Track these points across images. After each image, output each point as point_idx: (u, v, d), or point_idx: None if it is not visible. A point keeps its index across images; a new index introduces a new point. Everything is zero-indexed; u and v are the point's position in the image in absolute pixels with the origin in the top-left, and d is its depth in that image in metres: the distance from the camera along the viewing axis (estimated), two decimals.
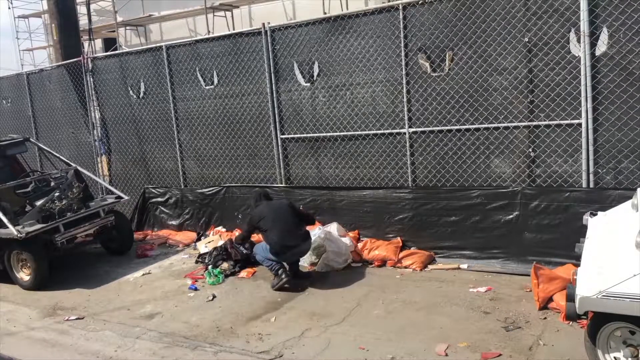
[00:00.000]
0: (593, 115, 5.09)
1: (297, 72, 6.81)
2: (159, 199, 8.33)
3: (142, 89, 8.35)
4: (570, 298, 3.36)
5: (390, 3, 6.17)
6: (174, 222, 8.17)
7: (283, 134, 7.09)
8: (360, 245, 6.24)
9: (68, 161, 7.89)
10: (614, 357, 3.26)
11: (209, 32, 14.82)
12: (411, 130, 6.11)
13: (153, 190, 8.43)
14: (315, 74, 6.68)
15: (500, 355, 3.93)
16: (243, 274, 6.16)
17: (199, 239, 7.57)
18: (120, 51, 10.49)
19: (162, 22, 17.92)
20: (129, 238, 7.62)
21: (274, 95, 7.00)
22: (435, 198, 5.91)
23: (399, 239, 6.12)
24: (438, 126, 5.93)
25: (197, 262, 6.71)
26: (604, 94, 5.04)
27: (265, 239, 5.60)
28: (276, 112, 7.05)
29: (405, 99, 6.06)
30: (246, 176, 7.61)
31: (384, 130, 6.29)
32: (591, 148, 5.14)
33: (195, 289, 5.90)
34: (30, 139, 8.20)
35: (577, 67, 5.10)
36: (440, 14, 5.70)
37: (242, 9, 16.23)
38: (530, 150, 5.51)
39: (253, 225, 5.75)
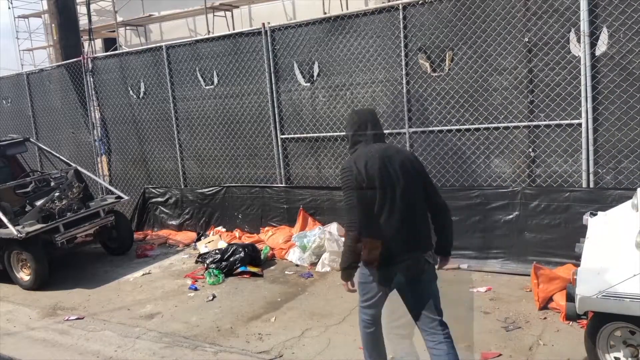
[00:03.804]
0: (593, 115, 5.09)
1: (297, 72, 6.81)
2: (159, 199, 8.34)
3: (142, 89, 8.35)
4: (570, 298, 3.36)
5: (390, 3, 6.17)
6: (174, 222, 8.17)
7: (283, 134, 7.10)
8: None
9: (68, 161, 7.89)
10: (614, 357, 3.26)
11: (209, 32, 14.82)
12: (411, 130, 6.11)
13: (153, 190, 8.44)
14: (315, 74, 6.68)
15: (500, 355, 3.93)
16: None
17: (199, 239, 7.56)
18: (120, 51, 10.49)
19: (162, 22, 17.92)
20: (129, 238, 7.61)
21: (274, 95, 7.00)
22: None
23: None
24: (438, 126, 5.93)
25: (197, 262, 6.71)
26: (604, 94, 5.04)
27: None
28: (276, 112, 7.05)
29: (405, 99, 6.06)
30: (246, 176, 7.61)
31: (384, 130, 6.27)
32: (591, 148, 5.14)
33: (195, 289, 5.90)
34: (30, 139, 8.19)
35: (577, 67, 5.11)
36: (440, 14, 5.70)
37: (242, 9, 16.24)
38: (530, 150, 5.51)
39: None
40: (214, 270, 6.13)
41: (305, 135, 6.90)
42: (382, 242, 3.08)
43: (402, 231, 3.09)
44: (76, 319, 5.48)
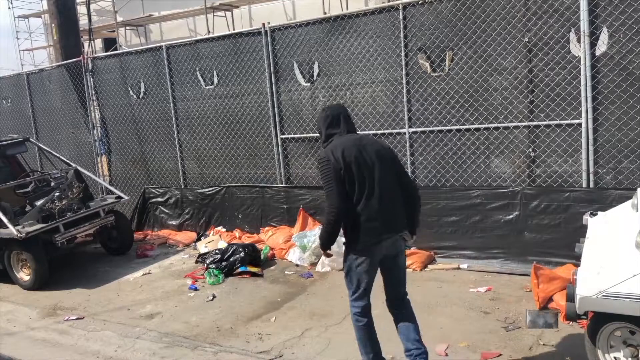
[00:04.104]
0: (593, 115, 5.09)
1: (297, 72, 6.81)
2: (159, 199, 8.34)
3: (142, 89, 8.35)
4: (570, 298, 3.35)
5: (390, 3, 6.17)
6: (174, 222, 8.17)
7: (283, 134, 7.10)
8: None
9: (68, 161, 7.89)
10: (614, 357, 3.26)
11: (209, 32, 14.82)
12: (411, 130, 6.11)
13: (153, 190, 8.43)
14: (315, 74, 6.68)
15: (500, 355, 3.93)
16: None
17: (199, 239, 7.57)
18: (120, 51, 10.49)
19: (162, 22, 17.92)
20: (129, 238, 7.61)
21: (274, 95, 7.00)
22: (435, 198, 5.91)
23: None
24: (438, 126, 5.93)
25: (197, 262, 6.71)
26: (604, 94, 5.04)
27: None
28: (276, 112, 7.05)
29: (405, 99, 6.06)
30: (246, 176, 7.61)
31: (384, 130, 6.29)
32: (591, 148, 5.14)
33: (195, 289, 5.90)
34: (30, 139, 8.19)
35: (577, 67, 5.11)
36: (440, 14, 5.70)
37: (242, 9, 16.24)
38: (530, 150, 5.51)
39: None
40: (214, 270, 6.13)
41: (305, 135, 6.90)
42: (365, 225, 3.33)
43: (382, 213, 3.35)
44: (76, 319, 5.48)
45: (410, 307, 3.62)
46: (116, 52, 10.97)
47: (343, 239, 3.54)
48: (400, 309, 3.60)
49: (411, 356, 3.50)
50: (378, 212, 3.33)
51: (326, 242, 3.53)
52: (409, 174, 6.11)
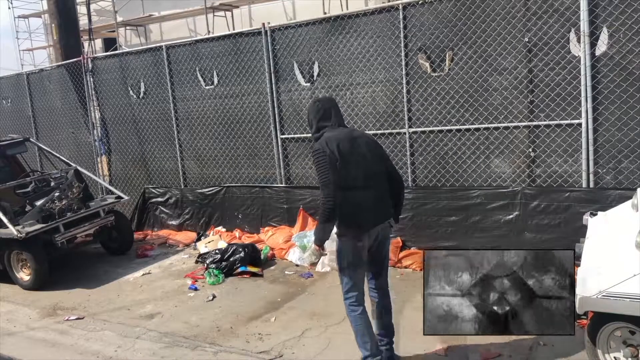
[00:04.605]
0: (593, 115, 5.09)
1: (297, 72, 6.81)
2: (159, 199, 8.34)
3: (142, 89, 8.35)
4: None
5: (390, 3, 6.17)
6: (174, 222, 8.17)
7: (283, 134, 7.10)
8: None
9: (68, 161, 7.89)
10: (614, 357, 3.26)
11: (209, 32, 14.82)
12: (411, 130, 6.11)
13: (153, 190, 8.43)
14: (315, 74, 6.68)
15: (500, 355, 3.93)
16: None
17: (199, 239, 7.56)
18: (120, 51, 10.49)
19: (162, 22, 17.92)
20: (129, 238, 7.61)
21: (274, 95, 7.00)
22: (435, 198, 5.91)
23: (399, 239, 6.12)
24: (438, 126, 5.93)
25: (197, 262, 6.71)
26: (604, 94, 5.04)
27: None
28: (276, 112, 7.05)
29: (405, 99, 6.06)
30: (246, 176, 7.61)
31: (384, 130, 6.29)
32: (591, 148, 5.14)
33: (195, 289, 5.90)
34: (30, 139, 8.19)
35: (577, 67, 5.11)
36: (440, 14, 5.70)
37: (242, 9, 16.24)
38: (530, 150, 5.51)
39: None
40: (214, 270, 6.13)
41: (305, 135, 6.90)
42: (360, 215, 3.50)
43: (375, 202, 3.55)
44: (76, 319, 5.48)
45: (390, 299, 3.83)
46: (116, 52, 10.97)
47: (335, 231, 3.64)
48: (382, 296, 3.79)
49: (387, 344, 3.79)
50: (371, 201, 3.51)
51: (322, 236, 3.61)
52: (409, 174, 6.19)
